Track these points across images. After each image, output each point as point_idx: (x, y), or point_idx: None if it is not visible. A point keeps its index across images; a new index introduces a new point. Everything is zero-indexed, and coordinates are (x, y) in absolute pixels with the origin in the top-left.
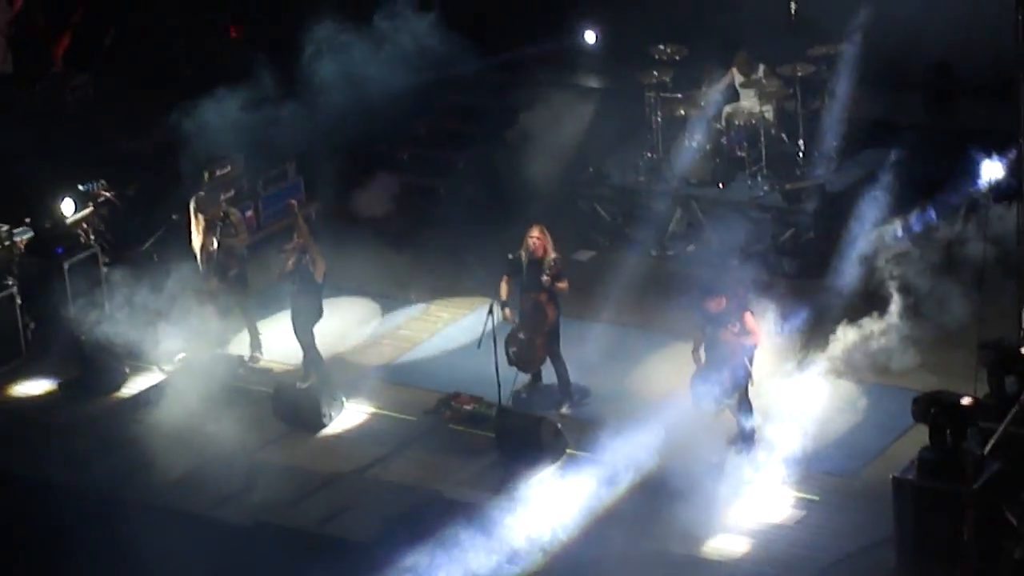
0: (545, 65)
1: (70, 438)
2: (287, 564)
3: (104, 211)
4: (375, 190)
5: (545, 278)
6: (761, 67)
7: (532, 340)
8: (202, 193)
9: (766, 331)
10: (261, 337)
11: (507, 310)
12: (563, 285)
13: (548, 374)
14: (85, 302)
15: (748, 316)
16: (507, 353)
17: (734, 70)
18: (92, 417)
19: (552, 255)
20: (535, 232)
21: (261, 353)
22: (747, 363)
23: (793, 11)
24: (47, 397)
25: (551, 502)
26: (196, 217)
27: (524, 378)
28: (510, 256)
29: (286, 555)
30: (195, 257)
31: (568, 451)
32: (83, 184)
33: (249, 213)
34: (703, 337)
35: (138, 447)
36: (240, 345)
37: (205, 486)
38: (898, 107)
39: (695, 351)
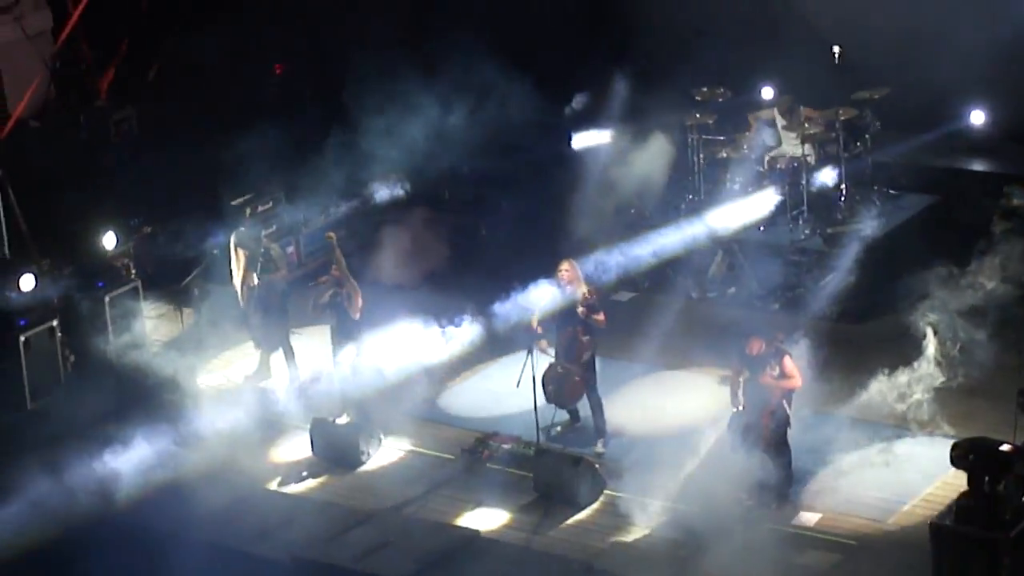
0: (590, 104)
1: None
2: None
3: (146, 245)
4: (388, 251)
5: (580, 310)
6: (803, 110)
7: (569, 374)
8: (243, 228)
9: (804, 375)
10: (298, 372)
11: (543, 342)
12: (600, 318)
13: (586, 412)
14: (125, 336)
15: (787, 360)
16: (544, 390)
17: (776, 113)
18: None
19: (584, 288)
20: (564, 266)
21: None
22: (785, 407)
23: (837, 55)
24: (86, 429)
25: (587, 542)
26: (237, 252)
27: (562, 416)
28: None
29: None
30: (236, 292)
31: (605, 491)
32: (125, 218)
33: (290, 249)
34: (742, 380)
35: (176, 480)
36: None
37: (243, 521)
38: (938, 152)
39: (733, 393)
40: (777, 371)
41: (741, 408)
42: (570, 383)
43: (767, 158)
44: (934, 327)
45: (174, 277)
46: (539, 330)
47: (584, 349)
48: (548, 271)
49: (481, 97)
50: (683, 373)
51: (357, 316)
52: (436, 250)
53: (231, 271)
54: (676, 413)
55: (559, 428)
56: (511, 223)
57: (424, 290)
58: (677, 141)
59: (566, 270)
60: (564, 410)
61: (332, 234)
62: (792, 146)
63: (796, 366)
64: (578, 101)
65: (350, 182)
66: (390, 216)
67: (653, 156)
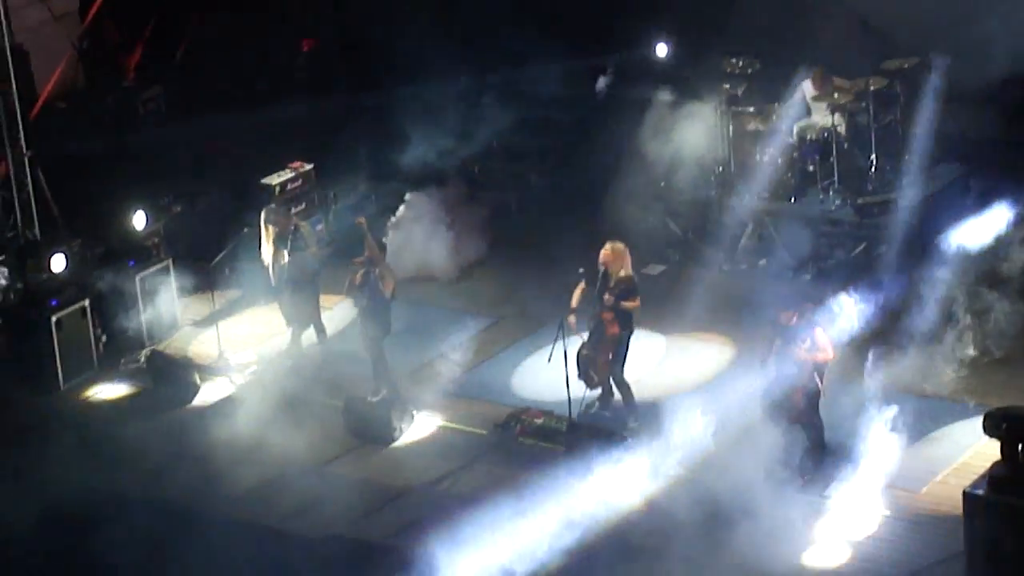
0: (618, 77)
1: (142, 451)
2: None
3: (176, 224)
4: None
5: (607, 297)
6: (834, 81)
7: (594, 357)
8: (272, 206)
9: (836, 347)
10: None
11: (571, 317)
12: (631, 304)
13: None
14: (157, 315)
15: (819, 332)
16: (577, 367)
17: (807, 84)
18: (164, 429)
19: (622, 273)
20: (606, 248)
21: (331, 367)
22: (817, 378)
23: (866, 24)
24: (119, 409)
25: (618, 517)
26: (267, 230)
27: (595, 392)
28: (580, 270)
29: (357, 567)
30: (266, 269)
31: (635, 465)
32: (155, 197)
33: (320, 227)
34: (774, 351)
35: (210, 459)
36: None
37: (276, 499)
38: (972, 121)
39: (765, 365)
40: (809, 343)
41: (772, 378)
42: (595, 366)
43: (797, 129)
44: (965, 297)
45: (205, 255)
46: (576, 330)
47: (610, 334)
48: (581, 250)
49: (512, 69)
50: (713, 345)
51: (390, 295)
52: (472, 235)
53: (261, 248)
54: (706, 385)
55: (592, 403)
56: (543, 199)
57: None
58: (708, 112)
59: (606, 253)
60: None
61: (362, 219)
62: (822, 117)
63: (828, 339)
64: (604, 81)
65: (379, 159)
66: (420, 197)
67: (687, 128)
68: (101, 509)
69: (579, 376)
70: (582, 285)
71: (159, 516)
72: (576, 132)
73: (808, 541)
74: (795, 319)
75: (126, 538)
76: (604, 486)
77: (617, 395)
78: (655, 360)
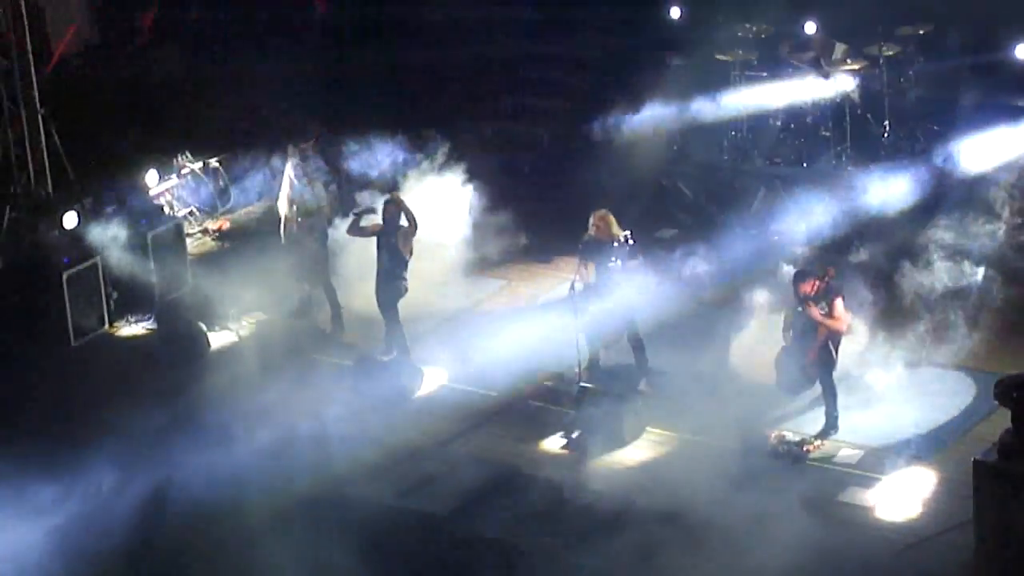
0: (633, 40)
1: (152, 408)
2: (366, 537)
3: (188, 182)
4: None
5: (614, 261)
6: (846, 46)
7: (607, 317)
8: (297, 159)
9: (851, 314)
10: (342, 311)
11: (578, 283)
12: (639, 264)
13: (617, 354)
14: (169, 272)
15: (838, 302)
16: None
17: (819, 49)
18: (175, 386)
19: (620, 235)
20: (592, 219)
21: (343, 327)
22: (831, 348)
23: None
24: (130, 365)
25: (629, 478)
26: (288, 183)
27: (593, 354)
28: (585, 237)
29: (365, 528)
30: (278, 223)
31: (647, 428)
32: (168, 155)
33: (333, 186)
34: (789, 315)
35: (219, 416)
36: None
37: (287, 459)
38: (984, 87)
39: (785, 330)
40: (827, 310)
41: (788, 344)
42: (607, 326)
43: (810, 95)
44: (976, 262)
45: (217, 214)
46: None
47: (624, 296)
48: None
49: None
50: (725, 310)
51: (409, 256)
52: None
53: (279, 201)
54: (719, 350)
55: (587, 363)
56: (553, 159)
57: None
58: (721, 76)
59: (595, 224)
60: (606, 348)
61: (398, 194)
62: (836, 83)
63: (846, 311)
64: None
65: (393, 117)
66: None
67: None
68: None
69: (590, 339)
70: (584, 261)
71: (170, 474)
72: (588, 93)
73: (816, 509)
74: (816, 286)
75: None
76: (613, 448)
77: (625, 359)
78: (666, 326)
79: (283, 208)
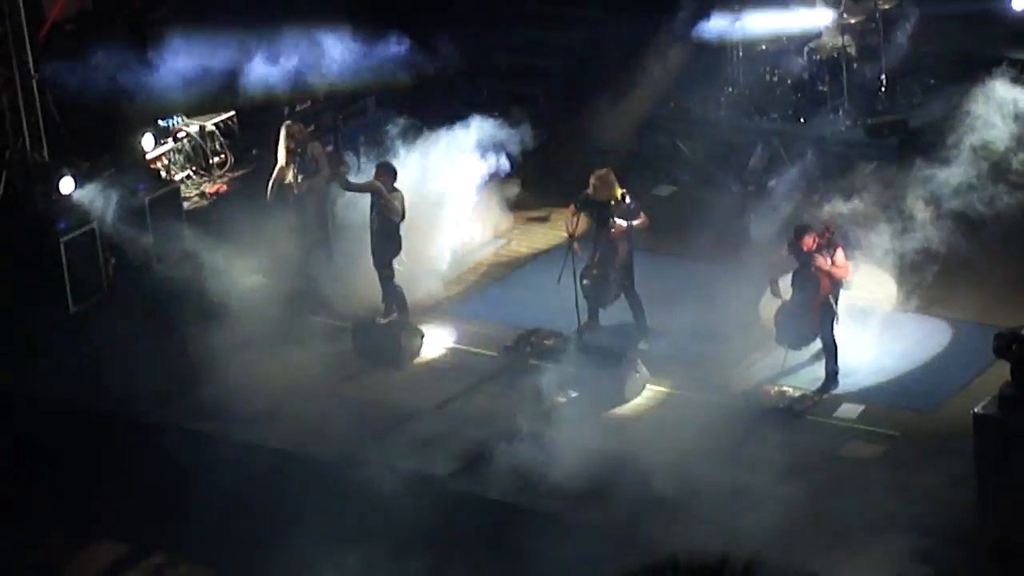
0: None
1: (152, 373)
2: (369, 498)
3: (184, 146)
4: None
5: (613, 221)
6: (843, 1)
7: (605, 276)
8: (291, 122)
9: (849, 267)
10: (338, 272)
11: (576, 244)
12: (641, 222)
13: (615, 313)
14: (166, 236)
15: (840, 252)
16: (582, 288)
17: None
18: (172, 351)
19: (618, 193)
20: (592, 179)
21: (343, 289)
22: (832, 301)
23: None
24: (128, 331)
25: (630, 436)
26: (284, 144)
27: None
28: (580, 195)
29: (366, 489)
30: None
31: (648, 386)
32: (163, 119)
33: (329, 148)
34: (783, 271)
35: (218, 380)
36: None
37: (286, 421)
38: (983, 42)
39: (775, 285)
40: (828, 262)
41: (785, 300)
42: (606, 285)
43: (807, 49)
44: (976, 218)
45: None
46: (581, 254)
47: (618, 254)
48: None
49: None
50: (725, 266)
51: (398, 219)
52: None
53: (276, 164)
54: (718, 307)
55: (583, 326)
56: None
57: None
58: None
59: (594, 185)
60: (602, 308)
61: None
62: (833, 37)
63: (846, 258)
64: None
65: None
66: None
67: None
68: (109, 431)
69: (585, 296)
70: (578, 213)
71: (168, 438)
72: (584, 52)
73: (816, 463)
74: (816, 242)
75: (133, 460)
76: (614, 406)
77: (623, 316)
78: (666, 283)
79: (278, 169)
